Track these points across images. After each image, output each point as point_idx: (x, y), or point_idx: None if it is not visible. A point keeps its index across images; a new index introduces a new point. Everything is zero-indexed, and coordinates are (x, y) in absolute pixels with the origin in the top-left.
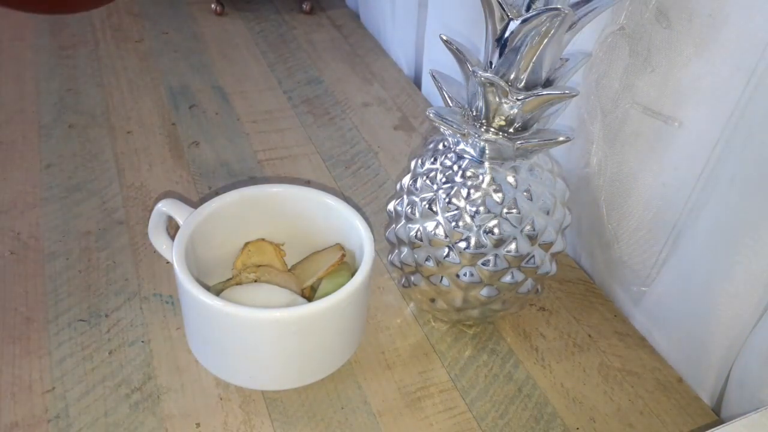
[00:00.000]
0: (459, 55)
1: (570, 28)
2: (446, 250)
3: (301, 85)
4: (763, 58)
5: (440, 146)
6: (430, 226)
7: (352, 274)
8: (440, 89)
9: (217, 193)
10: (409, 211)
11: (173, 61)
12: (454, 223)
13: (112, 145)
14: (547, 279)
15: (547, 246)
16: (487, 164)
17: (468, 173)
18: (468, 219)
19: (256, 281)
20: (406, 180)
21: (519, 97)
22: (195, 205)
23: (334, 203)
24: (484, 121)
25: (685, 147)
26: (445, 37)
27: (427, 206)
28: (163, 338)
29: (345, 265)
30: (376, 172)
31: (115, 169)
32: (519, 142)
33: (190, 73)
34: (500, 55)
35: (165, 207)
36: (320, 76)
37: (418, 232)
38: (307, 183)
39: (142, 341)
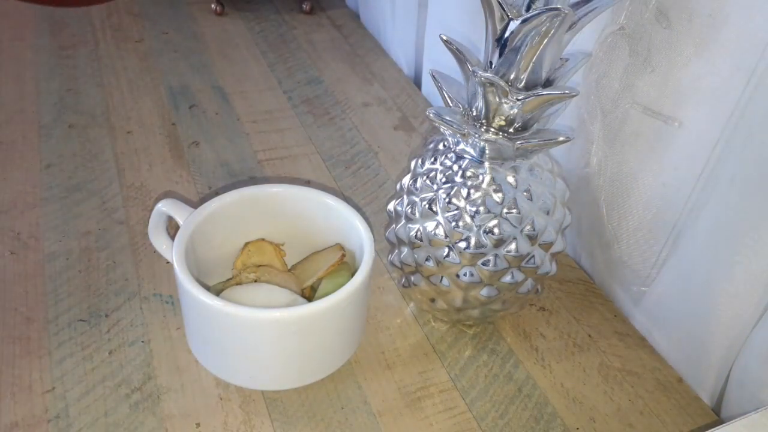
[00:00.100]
0: (459, 55)
1: (570, 28)
2: (446, 250)
3: (301, 85)
4: (763, 58)
5: (440, 146)
6: (430, 226)
7: (352, 274)
8: (440, 89)
9: (217, 193)
10: (409, 211)
11: (173, 61)
12: (454, 223)
13: (112, 145)
14: (547, 279)
15: (547, 246)
16: (487, 164)
17: (468, 173)
18: (468, 219)
19: (256, 281)
20: (406, 180)
21: (519, 97)
22: (195, 205)
23: (334, 203)
24: (484, 121)
25: (685, 147)
26: (445, 37)
27: (427, 206)
28: (163, 338)
29: (345, 265)
30: (376, 172)
31: (115, 169)
32: (519, 142)
33: (190, 73)
34: (500, 55)
35: (165, 207)
36: (320, 76)
37: (418, 232)
38: (307, 183)
39: (142, 341)
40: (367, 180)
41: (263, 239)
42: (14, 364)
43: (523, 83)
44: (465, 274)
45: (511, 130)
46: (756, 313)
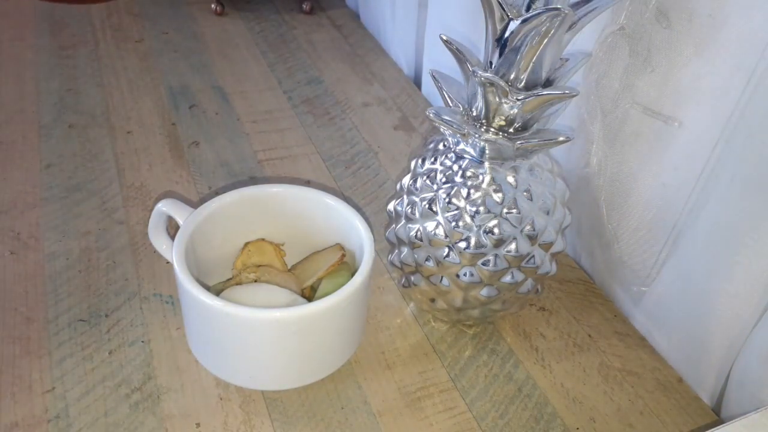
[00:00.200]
0: (459, 55)
1: (570, 28)
2: (446, 250)
3: (301, 85)
4: (763, 58)
5: (440, 146)
6: (430, 226)
7: (352, 274)
8: (440, 89)
9: (217, 193)
10: (409, 211)
11: (173, 61)
12: (454, 223)
13: (112, 145)
14: (547, 279)
15: (547, 246)
16: (487, 164)
17: (468, 173)
18: (468, 219)
19: (256, 281)
20: (406, 180)
21: (519, 97)
22: (195, 205)
23: (334, 203)
24: (484, 121)
25: (685, 147)
26: (445, 37)
27: (427, 206)
28: (163, 338)
29: (345, 265)
30: (376, 172)
31: (115, 169)
32: (519, 142)
33: (190, 73)
34: (500, 55)
35: (165, 207)
36: (320, 76)
37: (418, 232)
38: (307, 183)
39: (142, 341)
40: (367, 180)
41: (263, 239)
42: (14, 364)
43: (523, 83)
44: (465, 274)
45: (511, 130)
46: (756, 313)
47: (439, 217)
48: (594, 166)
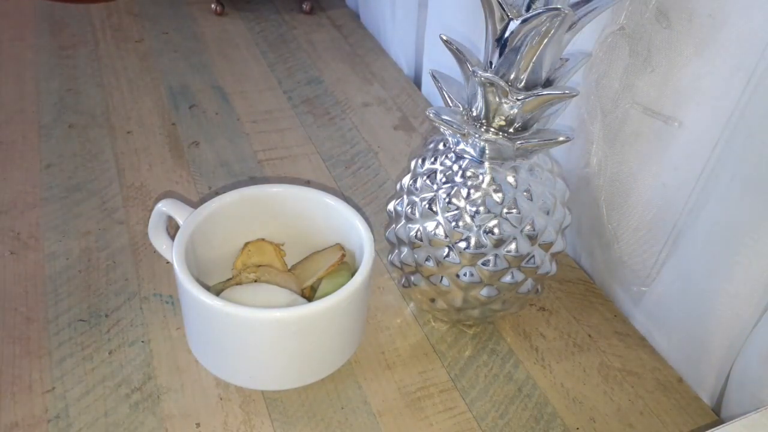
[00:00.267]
0: (459, 55)
1: (570, 28)
2: (446, 250)
3: (301, 85)
4: (763, 58)
5: (440, 146)
6: (430, 226)
7: (352, 274)
8: (440, 89)
9: (217, 193)
10: (409, 211)
11: (173, 61)
12: (454, 223)
13: (112, 145)
14: (547, 279)
15: (547, 246)
16: (487, 164)
17: (468, 173)
18: (468, 219)
19: (256, 281)
20: (406, 180)
21: (519, 97)
22: (195, 205)
23: (334, 203)
24: (484, 121)
25: (685, 147)
26: (445, 37)
27: (427, 206)
28: (163, 338)
29: (345, 265)
30: (376, 172)
31: (115, 169)
32: (519, 142)
33: (190, 73)
34: (500, 55)
35: (165, 207)
36: (320, 76)
37: (418, 232)
38: (307, 183)
39: (142, 341)
40: (367, 180)
41: (263, 239)
42: (14, 364)
43: (523, 83)
44: (465, 274)
45: (511, 130)
46: (756, 313)
47: (439, 217)
48: (594, 166)
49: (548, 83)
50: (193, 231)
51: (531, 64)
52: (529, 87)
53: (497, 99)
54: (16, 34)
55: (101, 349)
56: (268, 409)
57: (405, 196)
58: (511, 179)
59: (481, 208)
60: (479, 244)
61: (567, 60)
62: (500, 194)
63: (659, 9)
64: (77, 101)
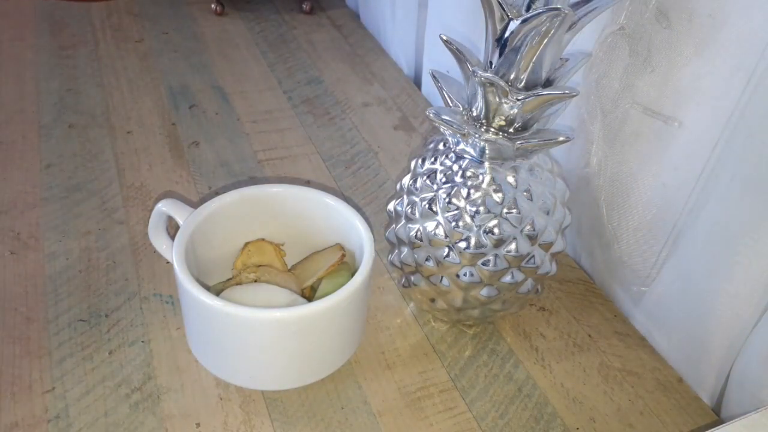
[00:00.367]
0: (459, 55)
1: (570, 28)
2: (446, 250)
3: (301, 85)
4: (763, 58)
5: (440, 146)
6: (430, 226)
7: (352, 274)
8: (440, 89)
9: (217, 193)
10: (409, 211)
11: (173, 61)
12: (454, 223)
13: (112, 145)
14: (547, 279)
15: (547, 246)
16: (487, 164)
17: (468, 173)
18: (468, 219)
19: (256, 281)
20: (406, 180)
21: (519, 97)
22: (195, 205)
23: (334, 203)
24: (484, 121)
25: (685, 147)
26: (445, 37)
27: (427, 206)
28: (163, 338)
29: (345, 265)
30: (376, 172)
31: (115, 169)
32: (519, 142)
33: (190, 73)
34: (500, 55)
35: (165, 207)
36: (320, 76)
37: (418, 232)
38: (307, 183)
39: (142, 341)
40: (367, 180)
41: (263, 239)
42: (14, 364)
43: (523, 83)
44: (465, 274)
45: (511, 130)
46: (756, 313)
47: (439, 217)
48: (594, 166)
49: (548, 83)
50: (193, 231)
51: (531, 64)
52: (529, 87)
53: (497, 99)
54: (16, 34)
55: (101, 349)
56: (268, 409)
57: (405, 196)
58: (511, 179)
59: (481, 208)
60: (479, 244)
61: (567, 60)
62: (500, 194)
63: (659, 9)
64: (77, 101)
